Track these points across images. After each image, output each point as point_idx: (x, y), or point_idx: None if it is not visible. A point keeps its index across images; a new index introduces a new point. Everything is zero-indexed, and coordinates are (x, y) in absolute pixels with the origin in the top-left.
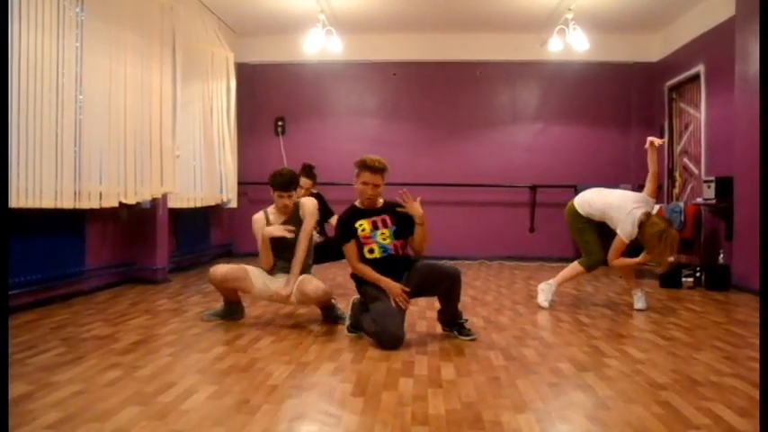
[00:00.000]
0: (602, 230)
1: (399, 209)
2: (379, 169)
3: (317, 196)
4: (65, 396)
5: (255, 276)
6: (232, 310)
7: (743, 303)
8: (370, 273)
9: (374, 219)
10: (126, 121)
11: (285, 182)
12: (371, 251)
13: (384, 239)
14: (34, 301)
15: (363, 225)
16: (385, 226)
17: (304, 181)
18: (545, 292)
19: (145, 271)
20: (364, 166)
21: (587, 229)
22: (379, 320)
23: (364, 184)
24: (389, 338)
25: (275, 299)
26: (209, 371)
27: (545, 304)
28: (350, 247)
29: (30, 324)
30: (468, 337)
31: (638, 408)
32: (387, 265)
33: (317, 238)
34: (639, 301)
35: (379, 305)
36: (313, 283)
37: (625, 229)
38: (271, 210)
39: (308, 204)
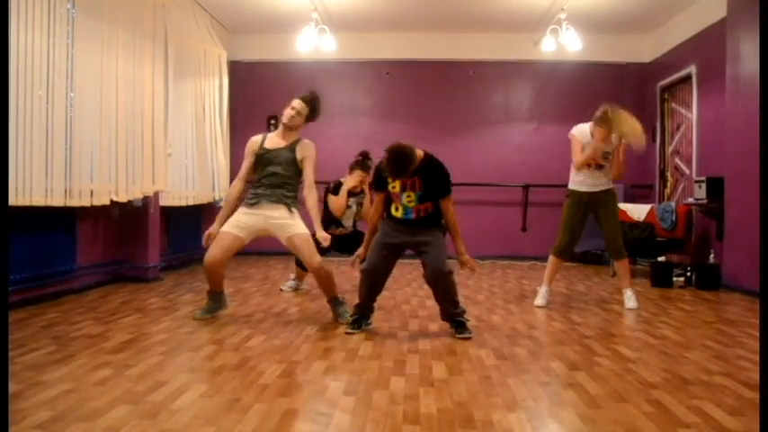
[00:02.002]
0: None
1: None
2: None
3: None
4: (55, 395)
5: (232, 225)
6: (217, 302)
7: (733, 303)
8: (369, 233)
9: (405, 180)
10: (117, 119)
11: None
12: (396, 209)
13: (409, 202)
14: (24, 300)
15: (395, 183)
16: (413, 189)
17: (358, 173)
18: (542, 295)
19: (136, 269)
20: None
21: (571, 205)
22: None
23: None
24: (367, 266)
25: (319, 242)
26: (200, 370)
27: (541, 302)
28: (378, 197)
29: (20, 322)
30: (462, 336)
31: (628, 406)
32: (404, 226)
33: (349, 227)
34: (630, 300)
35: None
36: (314, 257)
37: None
38: (271, 134)
39: (310, 146)
